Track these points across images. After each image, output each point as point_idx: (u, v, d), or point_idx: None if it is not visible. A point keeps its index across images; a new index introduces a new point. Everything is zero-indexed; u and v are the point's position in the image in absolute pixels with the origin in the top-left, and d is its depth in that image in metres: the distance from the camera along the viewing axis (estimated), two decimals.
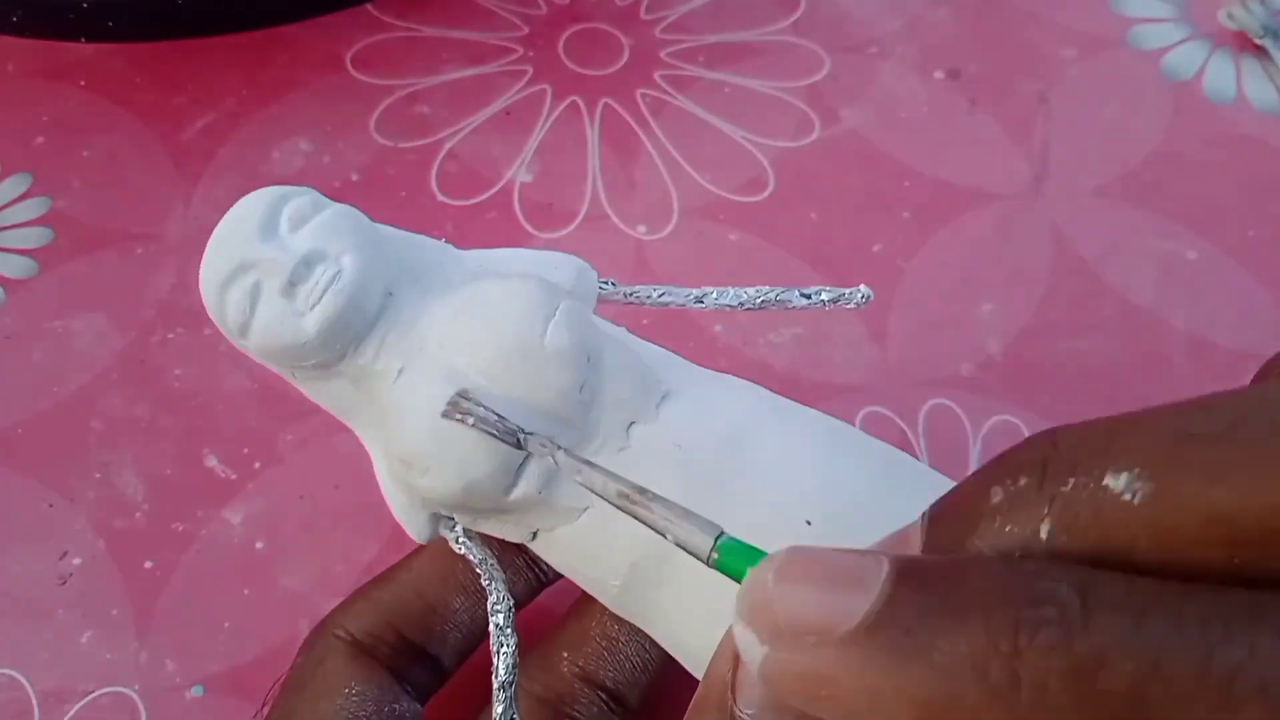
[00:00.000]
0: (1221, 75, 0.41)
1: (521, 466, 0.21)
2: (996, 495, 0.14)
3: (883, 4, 0.43)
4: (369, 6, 0.41)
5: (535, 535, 0.22)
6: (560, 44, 0.41)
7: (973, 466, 0.32)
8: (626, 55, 0.41)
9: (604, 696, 0.24)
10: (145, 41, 0.40)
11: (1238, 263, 0.37)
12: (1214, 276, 0.36)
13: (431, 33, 0.41)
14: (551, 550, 0.22)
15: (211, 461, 0.31)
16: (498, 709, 0.21)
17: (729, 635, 0.17)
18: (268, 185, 0.22)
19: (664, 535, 0.17)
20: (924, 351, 0.34)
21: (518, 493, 0.21)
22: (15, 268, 0.35)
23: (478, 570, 0.22)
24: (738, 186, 0.38)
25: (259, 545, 0.30)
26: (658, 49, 0.41)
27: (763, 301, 0.24)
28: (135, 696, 0.28)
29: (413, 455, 0.20)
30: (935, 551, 0.15)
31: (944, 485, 0.22)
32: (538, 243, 0.36)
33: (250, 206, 0.21)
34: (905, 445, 0.33)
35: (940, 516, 0.15)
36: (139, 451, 0.31)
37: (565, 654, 0.24)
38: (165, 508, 0.30)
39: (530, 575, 0.25)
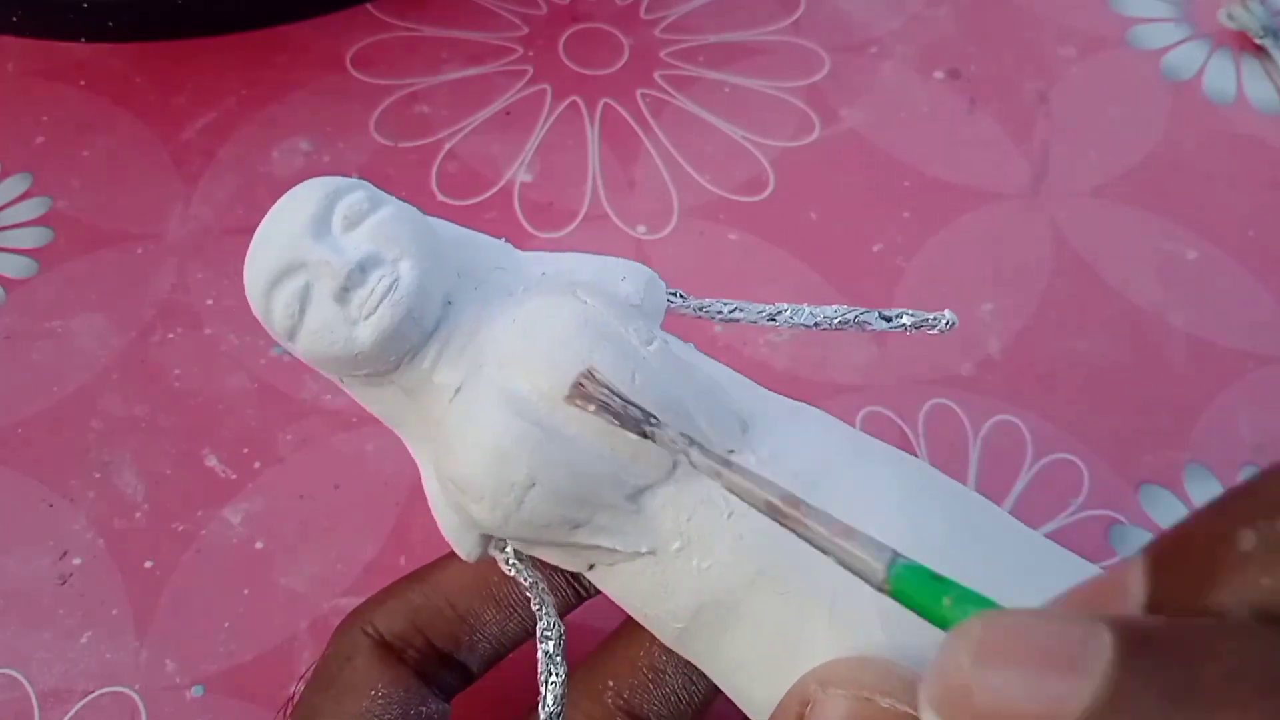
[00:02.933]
0: (1221, 75, 0.41)
1: (589, 508, 0.19)
2: (1248, 541, 0.11)
3: (883, 4, 0.43)
4: (369, 6, 0.41)
5: (592, 567, 0.20)
6: (560, 44, 0.41)
7: (973, 466, 0.32)
8: (627, 55, 0.41)
9: None
10: (145, 41, 0.39)
11: (1238, 263, 0.37)
12: (1214, 276, 0.36)
13: (431, 32, 0.41)
14: (609, 582, 0.21)
15: (211, 461, 0.31)
16: None
17: (793, 693, 0.17)
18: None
19: (824, 552, 0.15)
20: (924, 351, 0.34)
21: (582, 533, 0.19)
22: (15, 268, 0.35)
23: (527, 594, 0.21)
24: (738, 186, 0.38)
25: (259, 545, 0.30)
26: (658, 49, 0.41)
27: (840, 322, 0.22)
28: (135, 696, 0.28)
29: (467, 482, 0.19)
30: (1164, 611, 0.12)
31: (1019, 527, 0.21)
32: (537, 242, 0.36)
33: (301, 201, 0.20)
34: (905, 445, 0.33)
35: (1166, 562, 0.12)
36: (139, 451, 0.31)
37: (610, 683, 0.23)
38: (165, 508, 0.30)
39: (569, 592, 0.24)
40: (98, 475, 0.31)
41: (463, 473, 0.19)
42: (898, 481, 0.20)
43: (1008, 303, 0.36)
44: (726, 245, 0.36)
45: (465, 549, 0.21)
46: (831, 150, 0.39)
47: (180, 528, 0.30)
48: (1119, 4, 0.43)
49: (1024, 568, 0.20)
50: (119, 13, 0.37)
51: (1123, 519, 0.32)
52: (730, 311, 0.22)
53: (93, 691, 0.28)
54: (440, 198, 0.37)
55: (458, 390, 0.20)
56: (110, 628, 0.29)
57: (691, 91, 0.40)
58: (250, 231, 0.21)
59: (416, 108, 0.39)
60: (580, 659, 0.24)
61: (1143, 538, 0.32)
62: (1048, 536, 0.31)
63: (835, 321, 0.22)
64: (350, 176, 0.21)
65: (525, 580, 0.21)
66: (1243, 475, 0.33)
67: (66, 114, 0.38)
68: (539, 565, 0.21)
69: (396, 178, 0.37)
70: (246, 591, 0.29)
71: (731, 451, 0.19)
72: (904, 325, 0.22)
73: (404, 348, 0.20)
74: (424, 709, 0.23)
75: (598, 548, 0.20)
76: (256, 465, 0.31)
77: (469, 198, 0.37)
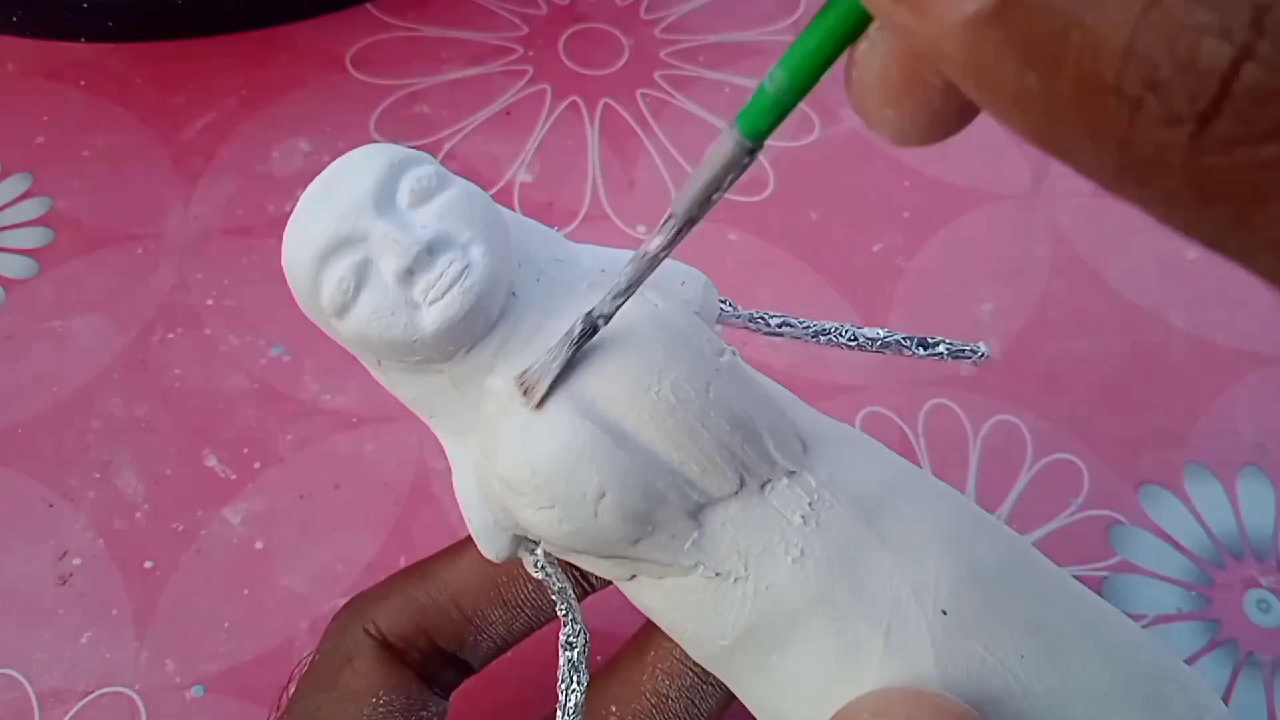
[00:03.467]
0: None
1: (658, 523, 0.18)
2: None
3: None
4: (369, 6, 0.41)
5: (634, 577, 0.20)
6: (560, 44, 0.41)
7: (973, 466, 0.32)
8: (626, 55, 0.41)
9: None
10: (145, 41, 0.40)
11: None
12: (1214, 276, 0.36)
13: (432, 32, 0.41)
14: (650, 594, 0.20)
15: (211, 461, 0.31)
16: None
17: (843, 717, 0.17)
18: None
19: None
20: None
21: (641, 547, 0.19)
22: (15, 268, 0.35)
23: (553, 597, 0.20)
24: (738, 186, 0.38)
25: (259, 545, 0.30)
26: (658, 49, 0.41)
27: (880, 345, 0.22)
28: (135, 696, 0.28)
29: (528, 485, 0.18)
30: None
31: (1067, 577, 0.21)
32: None
33: (365, 167, 0.18)
34: (905, 445, 0.33)
35: None
36: (139, 451, 0.31)
37: (613, 707, 0.23)
38: (165, 507, 0.30)
39: (577, 589, 0.24)
40: (98, 475, 0.31)
41: (523, 475, 0.18)
42: (950, 513, 0.20)
43: (1008, 303, 0.36)
44: (727, 245, 0.36)
45: (495, 549, 0.20)
46: (832, 150, 0.39)
47: (180, 528, 0.30)
48: None
49: (1070, 610, 0.20)
50: (119, 13, 0.37)
51: (1123, 519, 0.32)
52: (778, 325, 0.22)
53: (93, 691, 0.28)
54: None
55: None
56: (110, 628, 0.29)
57: (691, 91, 0.40)
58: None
59: (417, 108, 0.39)
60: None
61: (1143, 538, 0.32)
62: (1048, 536, 0.32)
63: (876, 345, 0.22)
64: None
65: (554, 585, 0.20)
66: (1243, 475, 0.33)
67: (67, 114, 0.38)
68: (567, 570, 0.20)
69: None
70: (246, 591, 0.29)
71: (792, 472, 0.19)
72: (940, 354, 0.22)
73: (466, 338, 0.18)
74: (425, 713, 0.23)
75: (651, 561, 0.19)
76: (256, 465, 0.31)
77: None
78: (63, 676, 0.28)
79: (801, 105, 0.42)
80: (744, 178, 0.39)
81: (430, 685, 0.24)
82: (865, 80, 0.15)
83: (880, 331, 0.22)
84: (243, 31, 0.40)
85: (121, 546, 0.30)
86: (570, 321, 0.18)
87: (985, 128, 0.43)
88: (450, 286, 0.18)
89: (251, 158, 0.37)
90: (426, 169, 0.18)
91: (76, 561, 0.29)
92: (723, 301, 0.21)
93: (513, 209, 0.37)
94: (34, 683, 0.28)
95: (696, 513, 0.19)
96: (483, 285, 0.18)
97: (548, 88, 0.40)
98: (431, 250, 0.18)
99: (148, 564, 0.30)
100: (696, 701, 0.23)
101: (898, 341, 0.22)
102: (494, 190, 0.37)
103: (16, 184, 0.36)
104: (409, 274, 0.18)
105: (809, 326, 0.22)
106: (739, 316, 0.21)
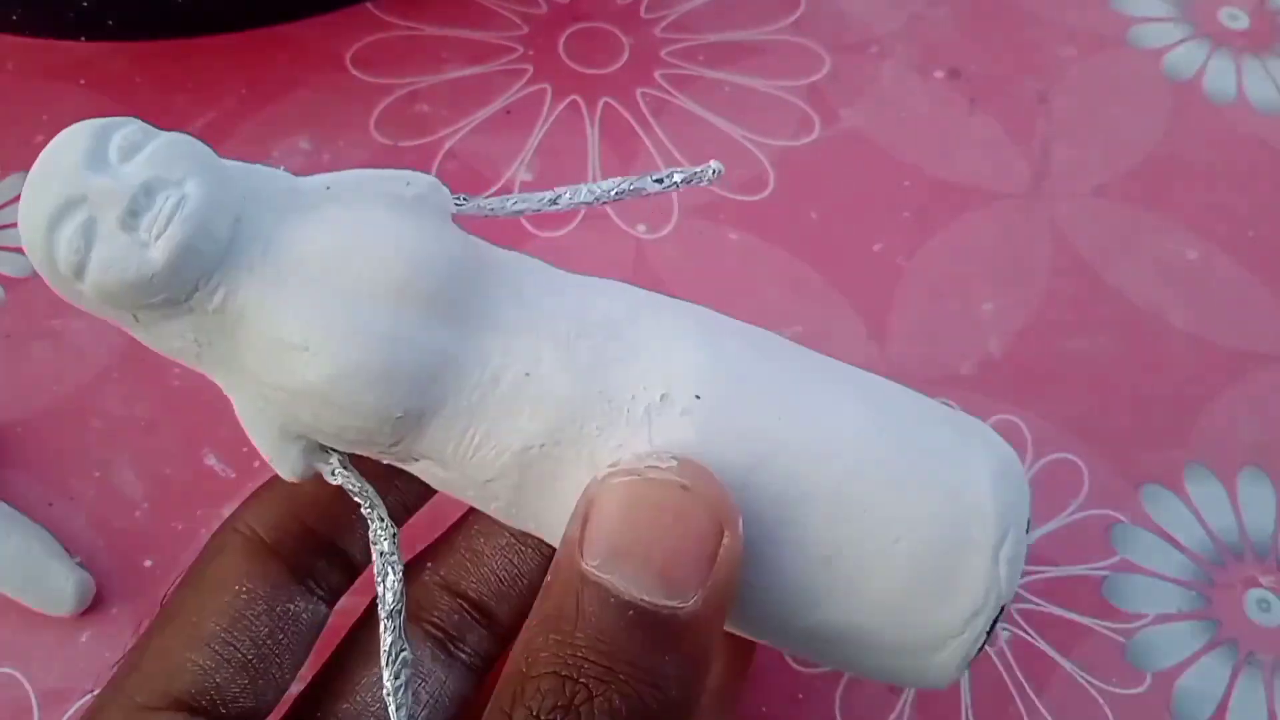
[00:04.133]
0: (1222, 75, 0.41)
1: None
2: None
3: (883, 3, 0.43)
4: (369, 5, 0.41)
5: (420, 460, 0.21)
6: (560, 43, 0.41)
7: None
8: (627, 54, 0.41)
9: (466, 605, 0.24)
10: (145, 40, 0.39)
11: (1238, 263, 0.37)
12: (1214, 276, 0.36)
13: (432, 32, 0.41)
14: (433, 472, 0.21)
15: (211, 461, 0.31)
16: (386, 639, 0.20)
17: (581, 499, 0.18)
18: None
19: None
20: (923, 350, 0.34)
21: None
22: (15, 267, 0.35)
23: (356, 499, 0.21)
24: (738, 185, 0.38)
25: None
26: (658, 48, 0.41)
27: (617, 193, 0.23)
28: None
29: (312, 333, 0.19)
30: None
31: (825, 358, 0.22)
32: (537, 242, 0.36)
33: (71, 139, 0.20)
34: None
35: None
36: (139, 451, 0.31)
37: (429, 564, 0.25)
38: (165, 507, 0.30)
39: (407, 494, 0.24)
40: (97, 474, 0.31)
41: (310, 380, 0.19)
42: (697, 317, 0.21)
43: (1008, 302, 0.36)
44: (726, 244, 0.36)
45: (289, 464, 0.21)
46: (832, 150, 0.39)
47: (180, 527, 0.30)
48: (1119, 3, 0.43)
49: (829, 373, 0.21)
50: (119, 11, 0.37)
51: (1123, 518, 0.32)
52: (513, 205, 0.23)
53: (92, 691, 0.28)
54: None
55: (271, 301, 0.19)
56: (110, 627, 0.29)
57: (692, 91, 0.40)
58: (619, 200, 0.22)
59: (417, 107, 0.39)
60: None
61: (1143, 537, 0.32)
62: (1048, 535, 0.32)
63: (613, 194, 0.23)
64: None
65: (354, 487, 0.21)
66: (1243, 475, 0.33)
67: (66, 113, 0.38)
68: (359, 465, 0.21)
69: None
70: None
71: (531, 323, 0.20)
72: (675, 183, 0.23)
73: (199, 265, 0.19)
74: (291, 606, 0.23)
75: (425, 435, 0.20)
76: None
77: None
78: (62, 676, 0.28)
79: (801, 105, 0.42)
80: (744, 177, 0.39)
81: (303, 579, 0.23)
82: None
83: (615, 181, 0.23)
84: (243, 30, 0.40)
85: (121, 545, 0.30)
86: (302, 233, 0.20)
87: (985, 127, 0.43)
88: (171, 217, 0.19)
89: (251, 157, 0.37)
90: (131, 128, 0.20)
91: (76, 560, 0.29)
92: (457, 198, 0.22)
93: None
94: (33, 682, 0.28)
95: (444, 379, 0.20)
96: (200, 211, 0.19)
97: (548, 87, 0.40)
98: (148, 192, 0.19)
99: (147, 563, 0.30)
100: (515, 560, 0.24)
101: (631, 188, 0.23)
102: (494, 189, 0.37)
103: (16, 183, 0.36)
104: (132, 216, 0.19)
105: (544, 197, 0.23)
106: (475, 208, 0.23)
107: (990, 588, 0.20)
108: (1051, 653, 0.30)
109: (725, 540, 0.18)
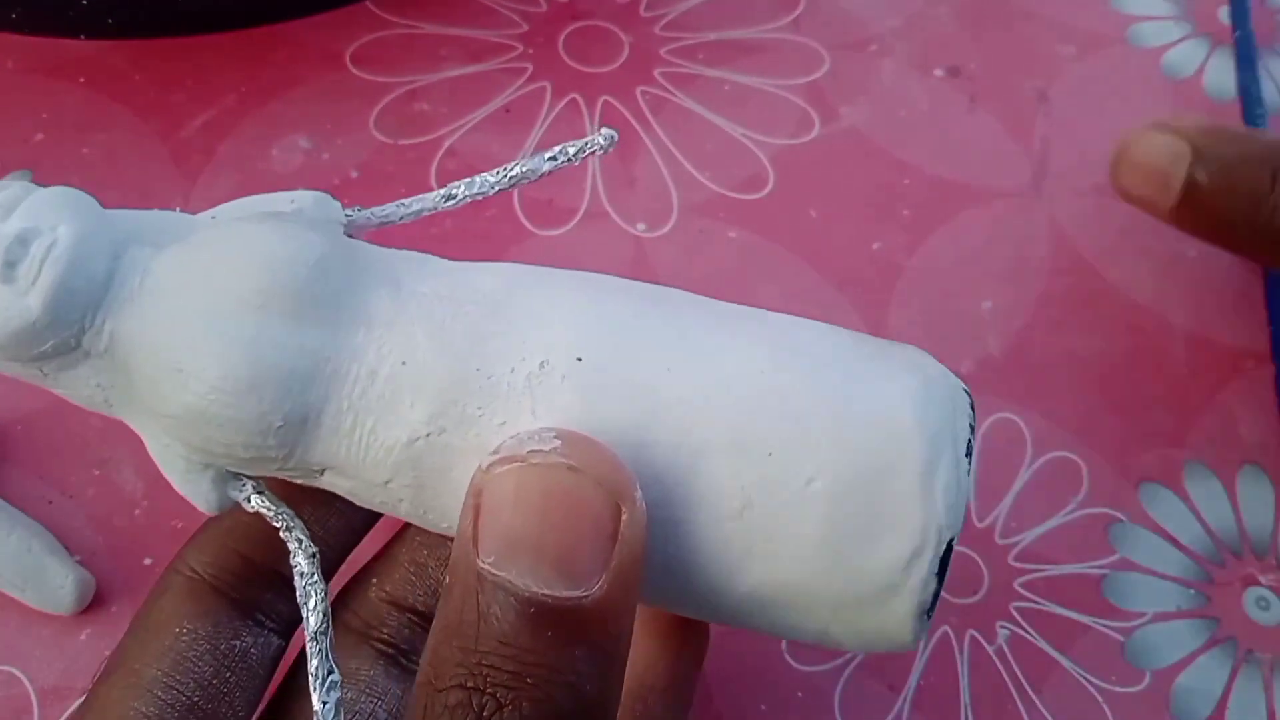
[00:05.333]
0: (1221, 73, 0.41)
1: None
2: None
3: (883, 2, 0.43)
4: (368, 3, 0.41)
5: (323, 472, 0.20)
6: (560, 41, 0.41)
7: (973, 465, 0.32)
8: (626, 53, 0.41)
9: (415, 619, 0.24)
10: (145, 39, 0.39)
11: (1237, 262, 0.37)
12: (1214, 275, 0.36)
13: (431, 30, 0.41)
14: (338, 484, 0.20)
15: None
16: (312, 662, 0.20)
17: (469, 493, 0.17)
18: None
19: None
20: (923, 349, 0.34)
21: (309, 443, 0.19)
22: None
23: (274, 524, 0.21)
24: (737, 184, 0.38)
25: None
26: (657, 46, 0.41)
27: (512, 178, 0.22)
28: None
29: (182, 353, 0.19)
30: None
31: (708, 300, 0.21)
32: (537, 240, 0.36)
33: None
34: None
35: None
36: (138, 448, 0.31)
37: (374, 580, 0.24)
38: (165, 505, 0.30)
39: (353, 516, 0.24)
40: (97, 472, 0.31)
41: (188, 401, 0.19)
42: (577, 284, 0.20)
43: (1008, 301, 0.36)
44: (726, 243, 0.36)
45: (203, 497, 0.20)
46: (831, 148, 0.39)
47: (180, 525, 0.30)
48: (1119, 2, 0.43)
49: (712, 312, 0.20)
50: (119, 10, 0.37)
51: (1122, 517, 0.32)
52: (410, 208, 0.23)
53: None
54: None
55: (149, 330, 0.19)
56: (110, 624, 0.29)
57: (691, 89, 0.40)
58: (515, 186, 0.22)
59: (416, 105, 0.39)
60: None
61: (1143, 536, 0.32)
62: (1048, 534, 0.32)
63: (508, 180, 0.22)
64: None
65: (269, 511, 0.20)
66: (1242, 474, 0.33)
67: (66, 111, 0.38)
68: (284, 494, 0.21)
69: (396, 175, 0.37)
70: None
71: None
72: (569, 157, 0.23)
73: (78, 305, 0.19)
74: (238, 642, 0.22)
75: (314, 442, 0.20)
76: None
77: None
78: (62, 674, 0.28)
79: (801, 103, 0.42)
80: (744, 175, 0.39)
81: (249, 614, 0.23)
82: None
83: (511, 165, 0.23)
84: (242, 29, 0.40)
85: (121, 544, 0.30)
86: (176, 259, 0.20)
87: (985, 125, 0.43)
88: (43, 261, 0.19)
89: (251, 155, 0.37)
90: (11, 189, 0.20)
91: (76, 558, 0.29)
92: (348, 210, 0.22)
93: (512, 207, 0.37)
94: (33, 680, 0.28)
95: (324, 379, 0.19)
96: (71, 250, 0.19)
97: (547, 85, 0.40)
98: (23, 242, 0.19)
99: (147, 561, 0.30)
100: None
101: (525, 170, 0.23)
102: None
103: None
104: (9, 268, 0.19)
105: (439, 195, 0.23)
106: (370, 218, 0.22)
107: (927, 521, 0.18)
108: (1051, 651, 0.30)
109: (624, 516, 0.17)
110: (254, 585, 0.23)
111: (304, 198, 0.21)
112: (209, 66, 0.39)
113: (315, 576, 0.20)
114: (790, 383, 0.19)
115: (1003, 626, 0.30)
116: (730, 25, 0.42)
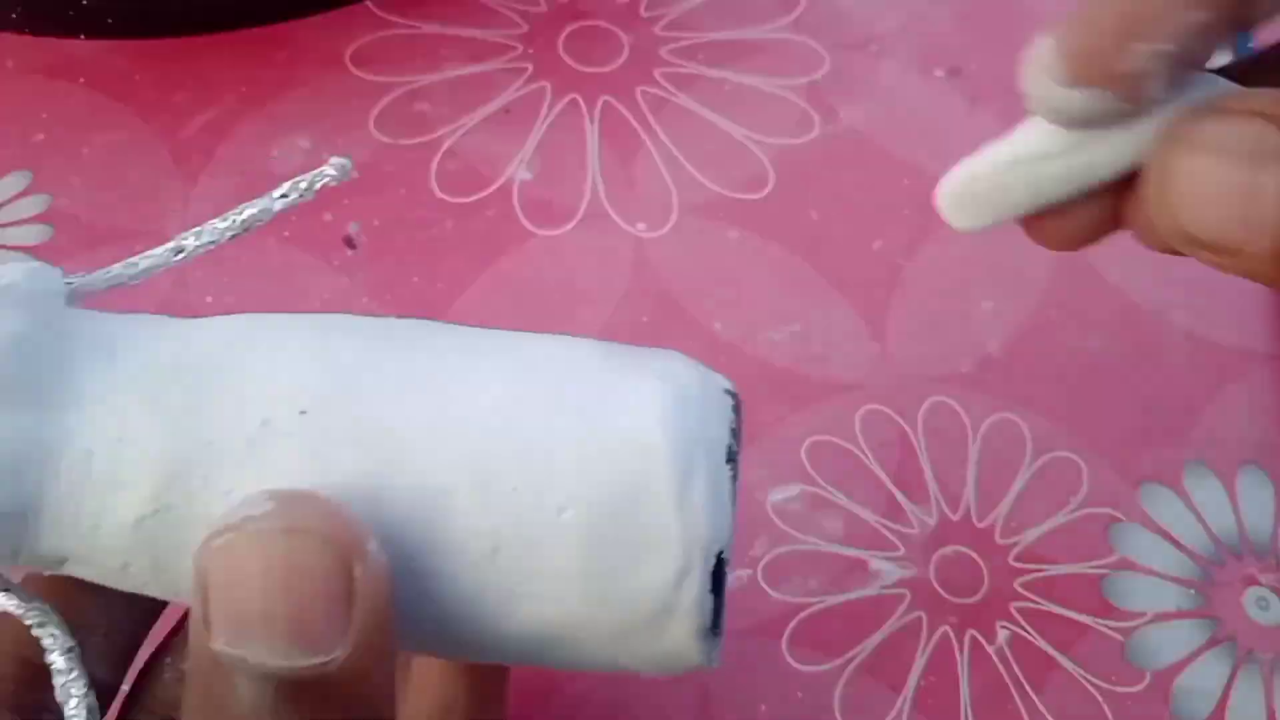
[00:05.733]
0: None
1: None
2: None
3: (883, 2, 0.43)
4: (369, 4, 0.41)
5: (63, 562, 0.19)
6: (560, 41, 0.41)
7: (972, 464, 0.32)
8: (626, 53, 0.41)
9: None
10: (145, 39, 0.39)
11: None
12: (1214, 276, 0.36)
13: (431, 30, 0.41)
14: (80, 571, 0.19)
15: None
16: None
17: (195, 571, 0.16)
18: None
19: None
20: (924, 349, 0.34)
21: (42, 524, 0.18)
22: None
23: (25, 621, 0.19)
24: (737, 184, 0.38)
25: None
26: (657, 46, 0.41)
27: (243, 222, 0.21)
28: None
29: None
30: None
31: (459, 329, 0.20)
32: (537, 240, 0.36)
33: None
34: (905, 443, 0.33)
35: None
36: None
37: (168, 660, 0.22)
38: None
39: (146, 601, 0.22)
40: None
41: None
42: (308, 330, 0.19)
43: (1008, 301, 0.36)
44: (726, 243, 0.36)
45: None
46: (831, 148, 0.39)
47: None
48: None
49: (453, 346, 0.19)
50: (119, 10, 0.37)
51: (1122, 517, 0.32)
52: (141, 266, 0.21)
53: None
54: (440, 195, 0.37)
55: None
56: None
57: (691, 89, 0.40)
58: (249, 230, 0.21)
59: (416, 105, 0.39)
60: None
61: (1142, 536, 0.32)
62: (1047, 534, 0.31)
63: (240, 224, 0.21)
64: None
65: (19, 609, 0.19)
66: (1242, 474, 0.33)
67: (66, 111, 0.38)
68: (40, 588, 0.20)
69: (396, 175, 0.37)
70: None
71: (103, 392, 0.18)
72: (301, 192, 0.21)
73: None
74: None
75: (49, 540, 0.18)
76: None
77: (468, 195, 0.37)
78: None
79: (801, 103, 0.42)
80: (744, 175, 0.39)
81: (38, 715, 0.21)
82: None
83: (240, 208, 0.21)
84: (243, 29, 0.40)
85: None
86: None
87: (986, 125, 0.43)
88: None
89: (251, 155, 0.37)
90: None
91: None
92: (69, 279, 0.20)
93: (512, 207, 0.37)
94: None
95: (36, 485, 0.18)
96: None
97: (547, 85, 0.40)
98: None
99: None
100: None
101: (254, 214, 0.21)
102: (493, 188, 0.37)
103: (16, 181, 0.36)
104: None
105: (166, 249, 0.21)
106: (95, 281, 0.21)
107: (688, 537, 0.17)
108: (1051, 651, 0.30)
109: (356, 572, 0.15)
110: (37, 687, 0.21)
111: (13, 272, 0.19)
112: (209, 67, 0.39)
113: (75, 672, 0.19)
114: (529, 410, 0.18)
115: (1003, 626, 0.30)
116: (730, 25, 0.42)
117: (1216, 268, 0.19)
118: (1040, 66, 0.18)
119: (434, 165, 0.37)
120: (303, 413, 0.17)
